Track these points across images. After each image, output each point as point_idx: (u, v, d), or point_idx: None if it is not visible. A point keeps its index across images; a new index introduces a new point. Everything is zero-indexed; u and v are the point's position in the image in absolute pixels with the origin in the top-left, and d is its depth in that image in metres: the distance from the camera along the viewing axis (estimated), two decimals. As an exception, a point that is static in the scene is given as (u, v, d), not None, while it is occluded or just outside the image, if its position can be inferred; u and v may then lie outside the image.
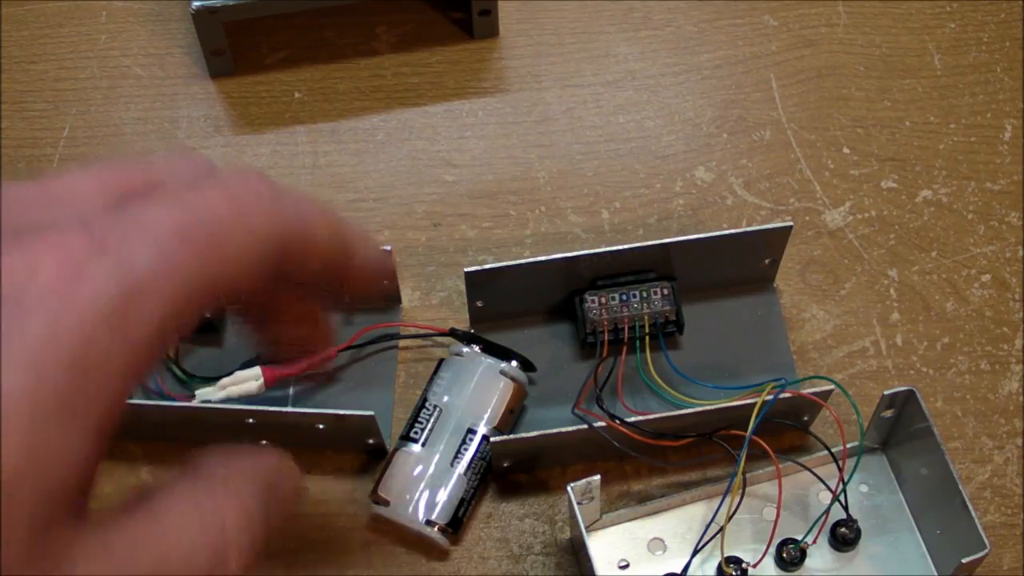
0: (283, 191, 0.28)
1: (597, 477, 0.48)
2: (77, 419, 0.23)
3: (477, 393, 0.53)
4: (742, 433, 0.49)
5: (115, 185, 0.26)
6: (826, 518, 0.50)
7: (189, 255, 0.24)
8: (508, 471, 0.53)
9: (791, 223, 0.54)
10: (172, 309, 0.24)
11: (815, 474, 0.51)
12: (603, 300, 0.54)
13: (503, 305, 0.56)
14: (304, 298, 0.32)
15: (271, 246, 0.27)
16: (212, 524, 0.26)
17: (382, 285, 0.32)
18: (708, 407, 0.50)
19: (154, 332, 0.24)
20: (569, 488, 0.47)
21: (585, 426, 0.50)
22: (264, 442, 0.54)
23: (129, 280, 0.23)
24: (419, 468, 0.51)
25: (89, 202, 0.26)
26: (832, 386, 0.50)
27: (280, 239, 0.27)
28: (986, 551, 0.45)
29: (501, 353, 0.54)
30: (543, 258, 0.53)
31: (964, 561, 0.46)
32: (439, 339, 0.57)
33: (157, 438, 0.54)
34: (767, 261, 0.57)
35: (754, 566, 0.50)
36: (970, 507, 0.46)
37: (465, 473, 0.51)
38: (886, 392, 0.49)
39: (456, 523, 0.51)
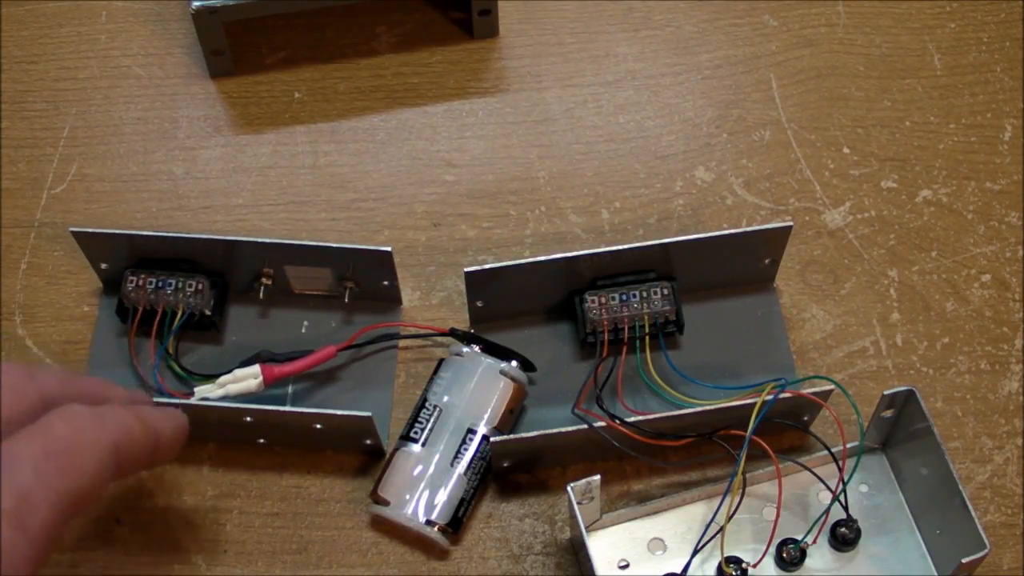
0: (102, 411, 0.36)
1: (597, 477, 0.48)
2: None
3: (477, 393, 0.53)
4: (742, 433, 0.49)
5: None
6: (826, 518, 0.50)
7: (55, 469, 0.33)
8: (508, 471, 0.53)
9: (791, 223, 0.54)
10: (56, 509, 0.32)
11: (815, 474, 0.51)
12: (603, 300, 0.54)
13: (503, 305, 0.56)
14: None
15: (109, 454, 0.35)
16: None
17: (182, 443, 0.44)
18: (708, 407, 0.50)
19: (47, 527, 0.31)
20: (569, 488, 0.47)
21: (585, 426, 0.50)
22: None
23: (17, 492, 0.31)
24: (419, 468, 0.51)
25: None
26: (832, 386, 0.50)
27: (114, 446, 0.35)
28: (986, 551, 0.45)
29: (501, 353, 0.54)
30: (543, 258, 0.53)
31: (964, 561, 0.46)
32: (439, 339, 0.57)
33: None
34: (767, 261, 0.57)
35: (754, 566, 0.50)
36: (970, 507, 0.46)
37: (465, 473, 0.51)
38: (886, 392, 0.49)
39: (456, 523, 0.51)
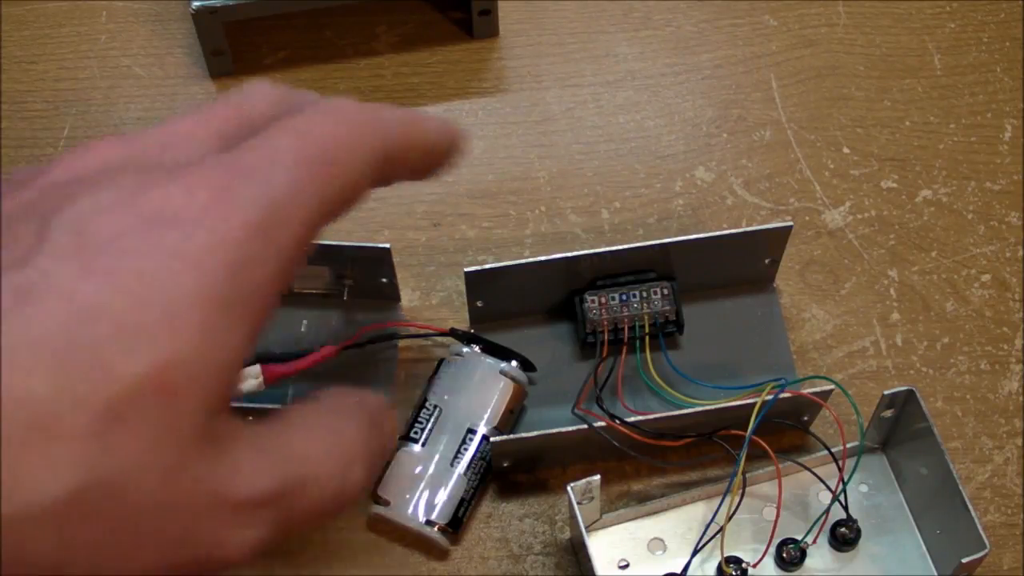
0: (376, 108, 0.31)
1: (597, 477, 0.48)
2: (236, 317, 0.26)
3: (477, 393, 0.53)
4: (742, 433, 0.49)
5: (226, 123, 0.30)
6: (826, 518, 0.50)
7: (314, 176, 0.28)
8: (508, 471, 0.53)
9: (791, 223, 0.54)
10: (307, 221, 0.28)
11: (815, 474, 0.51)
12: (603, 300, 0.54)
13: (503, 305, 0.56)
14: None
15: (377, 158, 0.30)
16: (337, 436, 0.30)
17: (451, 154, 0.36)
18: (708, 407, 0.50)
19: (296, 242, 0.27)
20: (569, 488, 0.47)
21: (585, 426, 0.50)
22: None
23: (271, 199, 0.27)
24: (419, 468, 0.51)
25: (209, 141, 0.29)
26: (832, 386, 0.50)
27: (384, 151, 0.30)
28: (986, 551, 0.45)
29: (501, 353, 0.54)
30: (543, 258, 0.53)
31: (964, 561, 0.46)
32: (439, 339, 0.57)
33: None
34: (767, 261, 0.57)
35: (754, 566, 0.50)
36: (970, 507, 0.46)
37: (465, 473, 0.51)
38: (886, 392, 0.49)
39: (456, 523, 0.51)
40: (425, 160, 0.34)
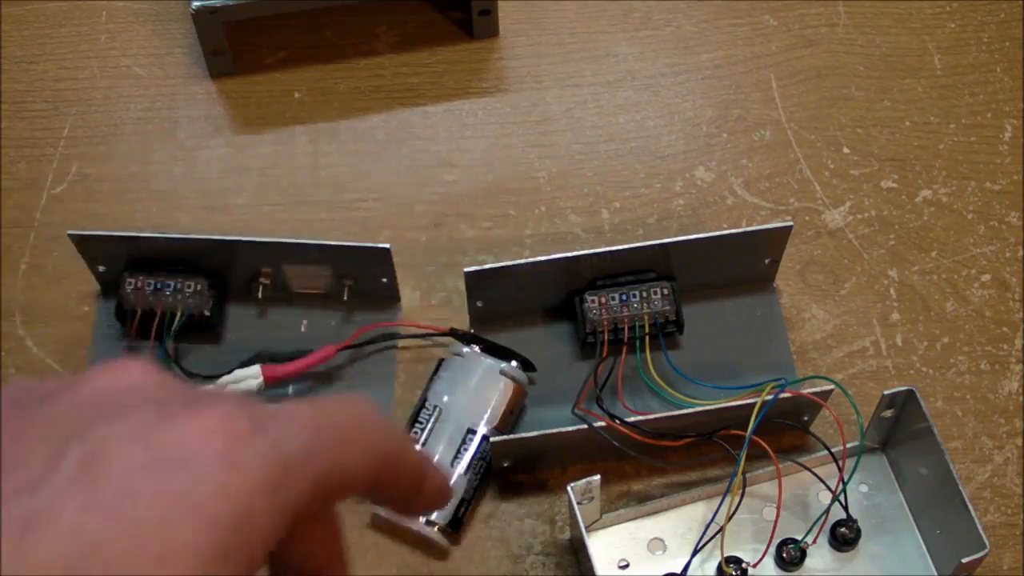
0: (385, 419, 0.33)
1: (597, 477, 0.48)
2: (231, 569, 0.26)
3: (477, 393, 0.53)
4: (742, 433, 0.49)
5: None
6: (826, 518, 0.50)
7: (324, 448, 0.29)
8: (508, 471, 0.53)
9: (791, 223, 0.54)
10: (311, 490, 0.28)
11: (815, 474, 0.51)
12: (603, 300, 0.54)
13: (503, 305, 0.56)
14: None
15: (377, 459, 0.31)
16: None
17: (439, 507, 0.40)
18: (708, 407, 0.50)
19: (297, 507, 0.28)
20: (569, 488, 0.47)
21: (585, 426, 0.50)
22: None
23: (282, 458, 0.27)
24: (419, 468, 0.51)
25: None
26: (832, 386, 0.50)
27: (384, 456, 0.31)
28: (986, 551, 0.45)
29: (501, 353, 0.54)
30: (543, 258, 0.53)
31: (964, 561, 0.46)
32: (439, 339, 0.57)
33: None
34: (767, 261, 0.57)
35: (754, 566, 0.50)
36: (970, 507, 0.46)
37: (465, 473, 0.51)
38: (886, 392, 0.49)
39: (456, 523, 0.51)
40: (412, 488, 0.35)
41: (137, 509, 0.25)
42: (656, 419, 0.50)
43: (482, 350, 0.54)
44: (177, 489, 0.25)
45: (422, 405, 0.53)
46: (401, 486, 0.34)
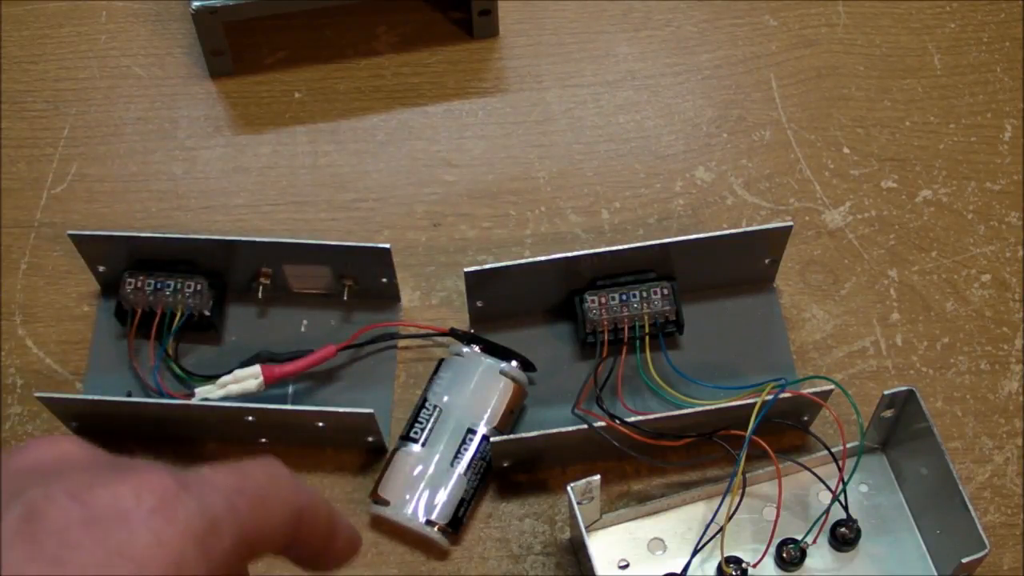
0: (296, 478, 0.36)
1: (597, 477, 0.48)
2: None
3: (477, 393, 0.53)
4: (742, 433, 0.49)
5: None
6: (826, 518, 0.50)
7: (246, 506, 0.32)
8: (508, 471, 0.53)
9: (791, 223, 0.54)
10: (237, 544, 0.31)
11: (815, 474, 0.51)
12: (603, 300, 0.54)
13: (503, 305, 0.56)
14: None
15: (293, 515, 0.34)
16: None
17: (348, 561, 0.42)
18: (708, 407, 0.50)
19: (225, 559, 0.30)
20: (569, 488, 0.47)
21: (585, 426, 0.50)
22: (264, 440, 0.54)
23: (209, 514, 0.30)
24: (419, 468, 0.51)
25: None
26: (832, 386, 0.50)
27: (299, 511, 0.34)
28: (986, 551, 0.45)
29: (501, 353, 0.54)
30: (543, 258, 0.53)
31: (964, 561, 0.46)
32: (439, 339, 0.57)
33: (157, 436, 0.54)
34: (767, 261, 0.57)
35: (754, 566, 0.50)
36: (970, 507, 0.46)
37: (465, 473, 0.51)
38: (886, 392, 0.49)
39: (456, 523, 0.51)
40: (325, 542, 0.38)
41: (80, 558, 0.27)
42: (656, 419, 0.50)
43: (482, 350, 0.54)
44: (116, 541, 0.27)
45: (422, 405, 0.53)
46: (315, 541, 0.37)
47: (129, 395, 0.55)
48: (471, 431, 0.52)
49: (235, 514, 0.31)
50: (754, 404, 0.49)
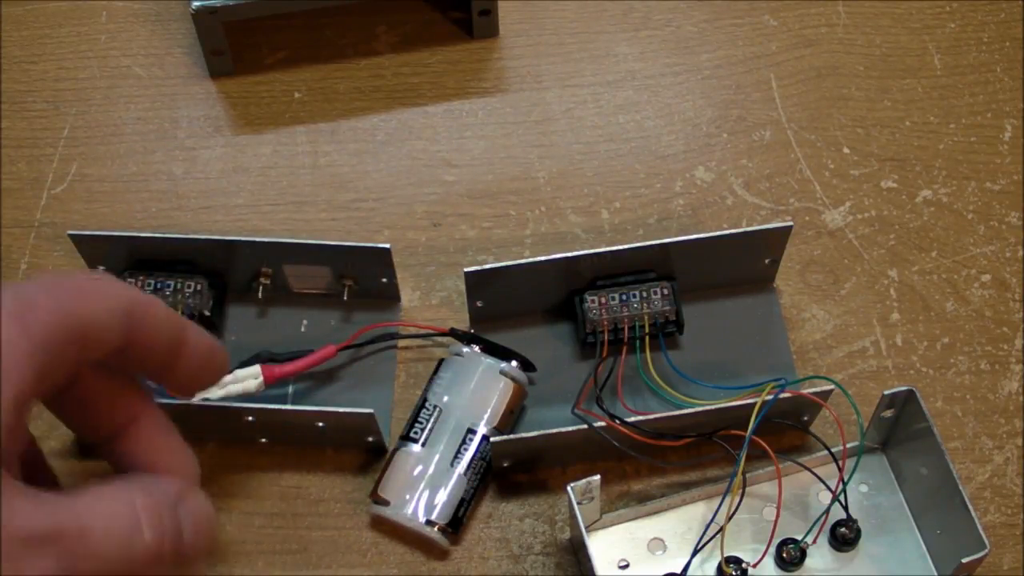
0: (129, 286, 0.37)
1: (597, 477, 0.48)
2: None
3: (477, 393, 0.53)
4: (742, 433, 0.49)
5: None
6: (826, 518, 0.50)
7: (65, 291, 0.34)
8: (508, 471, 0.53)
9: (791, 223, 0.54)
10: (57, 321, 0.33)
11: (815, 474, 0.51)
12: (603, 300, 0.54)
13: (503, 305, 0.56)
14: (121, 386, 0.40)
15: (121, 306, 0.35)
16: (125, 503, 0.33)
17: (213, 377, 0.42)
18: (708, 407, 0.50)
19: (46, 333, 0.32)
20: (569, 488, 0.47)
21: (585, 426, 0.50)
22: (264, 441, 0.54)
23: (23, 295, 0.32)
24: (419, 468, 0.51)
25: None
26: (832, 386, 0.50)
27: (129, 304, 0.35)
28: (986, 551, 0.45)
29: (501, 353, 0.54)
30: (543, 258, 0.53)
31: (964, 561, 0.46)
32: (439, 339, 0.57)
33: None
34: (767, 261, 0.57)
35: (754, 566, 0.50)
36: (970, 507, 0.46)
37: (465, 473, 0.51)
38: (886, 392, 0.49)
39: (456, 523, 0.51)
40: (170, 350, 0.37)
41: None
42: (656, 419, 0.50)
43: (482, 350, 0.54)
44: None
45: (422, 405, 0.53)
46: (157, 347, 0.37)
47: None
48: (471, 431, 0.52)
49: (52, 294, 0.33)
50: (754, 404, 0.49)
